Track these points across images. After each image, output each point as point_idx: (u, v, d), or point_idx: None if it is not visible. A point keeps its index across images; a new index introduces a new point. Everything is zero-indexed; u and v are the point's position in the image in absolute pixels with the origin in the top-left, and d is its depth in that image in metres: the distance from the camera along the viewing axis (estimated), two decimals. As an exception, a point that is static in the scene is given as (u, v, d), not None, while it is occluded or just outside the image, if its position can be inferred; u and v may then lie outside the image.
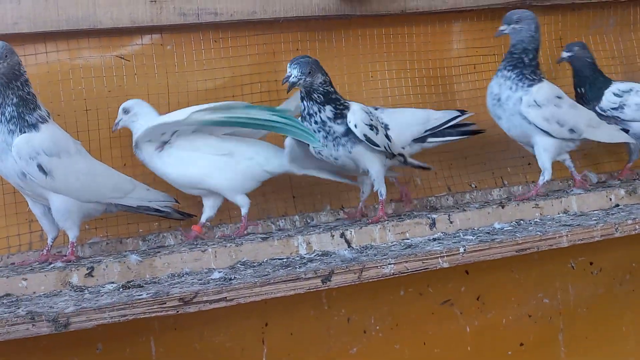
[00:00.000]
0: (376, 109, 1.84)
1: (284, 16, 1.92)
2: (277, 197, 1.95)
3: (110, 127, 1.73)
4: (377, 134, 1.64)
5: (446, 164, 2.10)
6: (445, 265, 1.41)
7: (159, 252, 1.52)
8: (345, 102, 1.65)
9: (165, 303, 1.23)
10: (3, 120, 1.47)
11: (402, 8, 2.03)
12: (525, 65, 1.80)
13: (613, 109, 1.97)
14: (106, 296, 1.28)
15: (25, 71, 1.52)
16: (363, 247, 1.55)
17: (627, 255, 2.11)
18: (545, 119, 1.78)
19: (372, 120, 1.65)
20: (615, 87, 2.00)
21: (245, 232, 1.73)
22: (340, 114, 1.62)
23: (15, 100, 1.48)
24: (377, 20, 2.08)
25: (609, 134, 1.93)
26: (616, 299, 2.12)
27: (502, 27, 1.82)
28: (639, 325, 2.13)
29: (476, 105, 2.03)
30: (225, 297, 1.27)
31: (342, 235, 1.57)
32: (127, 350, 1.67)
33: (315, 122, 1.61)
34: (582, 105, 1.98)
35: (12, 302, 1.30)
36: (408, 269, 1.39)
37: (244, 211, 1.72)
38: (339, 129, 1.62)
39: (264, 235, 1.63)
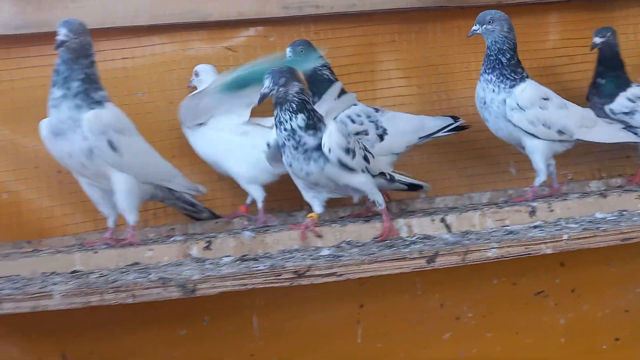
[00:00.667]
0: (377, 110, 1.84)
1: (381, 8, 1.98)
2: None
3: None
4: (353, 157, 1.52)
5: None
6: (549, 251, 1.43)
7: (267, 230, 1.60)
8: (321, 116, 1.54)
9: (280, 275, 1.31)
10: (69, 95, 1.48)
11: (498, 0, 2.04)
12: (504, 65, 1.77)
13: (624, 113, 1.90)
14: (226, 267, 1.37)
15: (94, 54, 1.56)
16: (463, 232, 1.58)
17: None
18: (530, 122, 1.74)
19: (349, 143, 1.52)
20: (631, 92, 1.92)
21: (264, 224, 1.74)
22: (313, 126, 1.50)
23: (82, 76, 1.50)
24: (473, 12, 2.09)
25: (609, 133, 1.86)
26: None
27: (474, 27, 1.80)
28: None
29: (574, 97, 2.01)
30: (336, 272, 1.33)
31: (442, 220, 1.60)
32: (231, 324, 1.77)
33: (285, 130, 1.50)
34: (595, 98, 1.93)
35: (141, 269, 1.41)
36: (511, 254, 1.41)
37: (259, 204, 1.75)
38: (310, 140, 1.50)
39: (366, 218, 1.68)
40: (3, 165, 1.82)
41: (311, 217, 1.57)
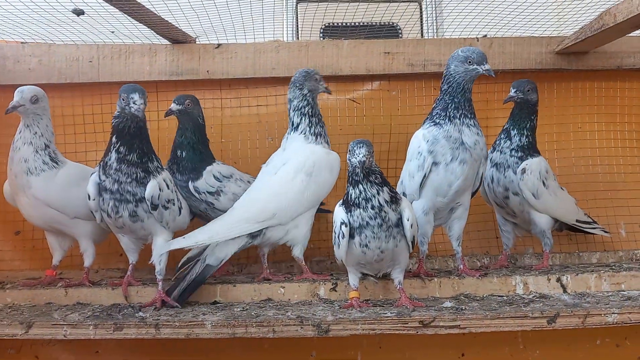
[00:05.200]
0: None
1: (502, 68, 2.07)
2: (482, 236, 2.09)
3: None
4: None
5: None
6: (669, 320, 1.45)
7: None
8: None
9: (407, 323, 1.41)
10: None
11: (618, 64, 2.09)
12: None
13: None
14: (355, 311, 1.48)
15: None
16: (579, 294, 1.62)
17: None
18: None
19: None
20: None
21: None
22: (395, 199, 1.44)
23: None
24: (590, 75, 2.15)
25: None
26: None
27: (512, 94, 1.83)
28: None
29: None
30: (459, 325, 1.41)
31: (558, 279, 1.66)
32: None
33: (372, 208, 1.41)
34: None
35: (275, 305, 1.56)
36: (631, 320, 1.45)
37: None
38: (393, 217, 1.42)
39: (483, 273, 1.75)
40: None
41: (356, 296, 1.53)
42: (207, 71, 2.02)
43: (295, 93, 1.74)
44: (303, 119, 1.73)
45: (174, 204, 1.63)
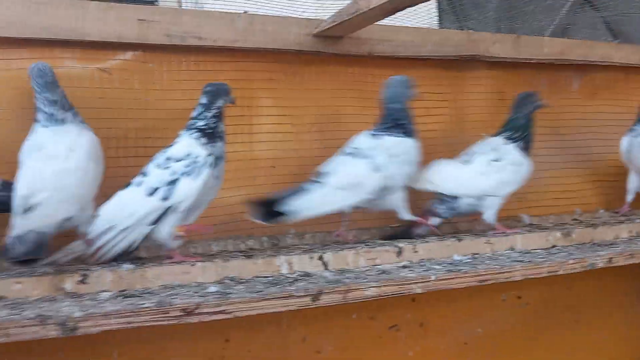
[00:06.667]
0: None
1: (264, 47, 2.03)
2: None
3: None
4: None
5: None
6: (419, 291, 1.54)
7: (145, 264, 1.55)
8: None
9: (168, 312, 1.28)
10: None
11: (369, 50, 2.19)
12: None
13: None
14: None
15: None
16: (339, 270, 1.65)
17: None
18: None
19: None
20: None
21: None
22: None
23: None
24: (344, 60, 2.22)
25: None
26: (537, 328, 2.36)
27: None
28: (556, 351, 2.37)
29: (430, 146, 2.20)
30: (225, 310, 1.32)
31: (320, 257, 1.66)
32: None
33: None
34: None
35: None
36: (386, 293, 1.50)
37: None
38: None
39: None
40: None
41: None
42: None
43: None
44: None
45: None
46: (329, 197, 1.76)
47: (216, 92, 1.66)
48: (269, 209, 1.73)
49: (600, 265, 1.76)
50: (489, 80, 2.48)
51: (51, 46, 1.79)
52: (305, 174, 2.13)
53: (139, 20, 1.85)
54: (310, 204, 1.74)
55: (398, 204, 1.88)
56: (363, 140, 1.90)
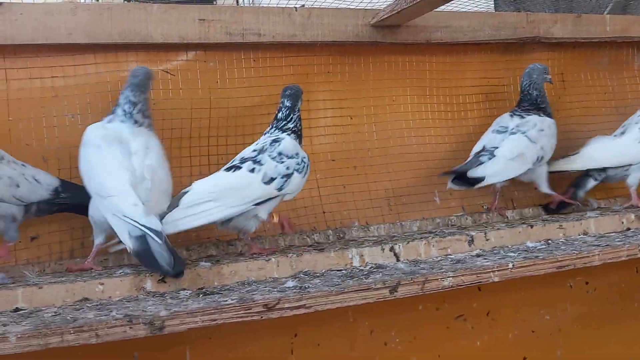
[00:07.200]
0: None
1: (321, 40, 2.02)
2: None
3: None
4: None
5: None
6: (496, 279, 1.51)
7: (220, 262, 1.56)
8: None
9: (250, 308, 1.29)
10: None
11: (427, 38, 2.16)
12: None
13: None
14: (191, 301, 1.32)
15: None
16: (412, 261, 1.64)
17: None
18: None
19: None
20: None
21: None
22: None
23: None
24: (402, 49, 2.19)
25: None
26: (607, 317, 2.29)
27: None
28: (626, 339, 2.30)
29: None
30: (304, 304, 1.33)
31: (392, 249, 1.65)
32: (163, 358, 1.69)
33: None
34: None
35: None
36: (465, 282, 1.48)
37: None
38: None
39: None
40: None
41: None
42: (-14, 36, 1.68)
43: None
44: None
45: None
46: (503, 167, 1.98)
47: (297, 94, 1.78)
48: (461, 177, 1.97)
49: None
50: (549, 62, 2.42)
51: (116, 50, 1.82)
52: (365, 166, 2.14)
53: (200, 20, 1.86)
54: (492, 171, 1.96)
55: (542, 176, 2.09)
56: (509, 120, 2.10)
